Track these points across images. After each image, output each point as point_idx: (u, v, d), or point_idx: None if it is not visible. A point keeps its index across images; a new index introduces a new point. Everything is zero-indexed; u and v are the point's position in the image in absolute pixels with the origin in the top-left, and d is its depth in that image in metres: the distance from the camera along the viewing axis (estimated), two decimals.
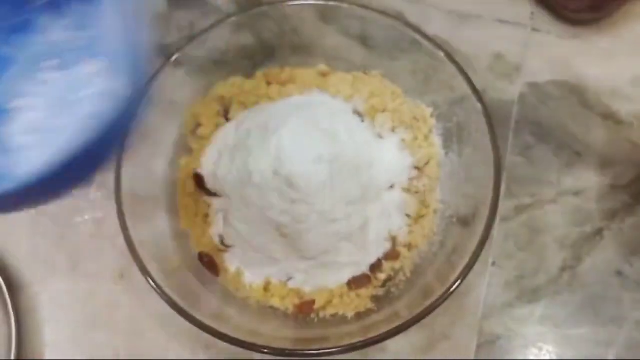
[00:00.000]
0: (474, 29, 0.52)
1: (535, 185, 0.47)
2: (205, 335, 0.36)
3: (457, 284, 0.36)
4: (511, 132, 0.48)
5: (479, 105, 0.41)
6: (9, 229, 0.46)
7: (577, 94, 0.50)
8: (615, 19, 0.52)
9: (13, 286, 0.43)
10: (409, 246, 0.42)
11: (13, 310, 0.41)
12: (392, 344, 0.42)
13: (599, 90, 0.50)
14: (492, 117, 0.41)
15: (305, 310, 0.40)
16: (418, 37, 0.43)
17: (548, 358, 0.42)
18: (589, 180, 0.47)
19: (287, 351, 0.36)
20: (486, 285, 0.43)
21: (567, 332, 0.42)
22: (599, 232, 0.45)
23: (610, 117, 0.49)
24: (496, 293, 0.43)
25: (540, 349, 0.42)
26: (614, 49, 0.51)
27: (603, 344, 0.42)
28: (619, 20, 0.52)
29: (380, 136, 0.45)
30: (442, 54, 0.42)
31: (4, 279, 0.42)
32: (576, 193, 0.46)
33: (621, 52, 0.51)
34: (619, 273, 0.44)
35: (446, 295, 0.36)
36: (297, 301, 0.41)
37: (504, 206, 0.46)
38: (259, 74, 0.47)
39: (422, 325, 0.40)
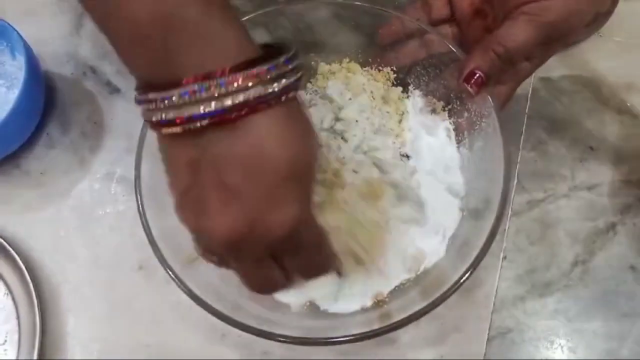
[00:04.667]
0: None
1: (548, 180, 0.47)
2: (223, 324, 0.37)
3: (466, 275, 0.36)
4: (524, 127, 0.48)
5: (489, 100, 0.41)
6: (32, 222, 0.48)
7: (591, 88, 0.50)
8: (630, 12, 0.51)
9: (37, 277, 0.45)
10: None
11: (37, 300, 0.42)
12: (404, 336, 0.42)
13: (614, 85, 0.50)
14: (505, 112, 0.41)
15: None
16: (431, 33, 0.44)
17: (559, 352, 0.42)
18: (602, 175, 0.47)
19: (301, 339, 0.36)
20: (497, 278, 0.44)
21: (580, 326, 0.42)
22: (612, 227, 0.45)
23: (625, 112, 0.49)
24: (508, 286, 0.44)
25: (552, 343, 0.42)
26: (629, 42, 0.51)
27: (616, 338, 0.42)
28: (634, 13, 0.51)
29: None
30: (453, 50, 0.43)
31: (28, 270, 0.43)
32: (589, 188, 0.46)
33: (637, 46, 0.51)
34: (632, 268, 0.44)
35: (456, 287, 0.36)
36: None
37: (516, 201, 0.46)
38: None
39: (434, 317, 0.41)
